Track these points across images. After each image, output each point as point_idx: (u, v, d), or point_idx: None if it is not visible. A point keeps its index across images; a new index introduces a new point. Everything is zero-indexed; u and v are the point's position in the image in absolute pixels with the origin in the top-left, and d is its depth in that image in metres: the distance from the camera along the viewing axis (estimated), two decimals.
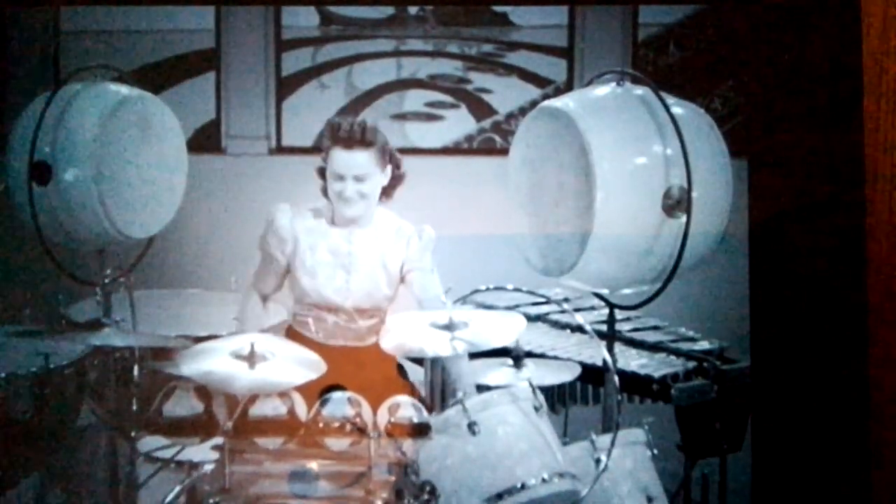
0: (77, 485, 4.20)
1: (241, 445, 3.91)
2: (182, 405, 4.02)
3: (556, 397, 4.21)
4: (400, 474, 3.78)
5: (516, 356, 4.00)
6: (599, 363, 4.06)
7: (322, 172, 4.25)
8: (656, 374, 4.17)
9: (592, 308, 4.31)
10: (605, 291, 4.06)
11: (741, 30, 3.89)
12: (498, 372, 3.99)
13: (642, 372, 4.20)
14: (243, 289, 4.33)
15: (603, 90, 4.02)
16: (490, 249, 4.22)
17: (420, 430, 3.80)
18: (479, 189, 4.57)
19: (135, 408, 4.09)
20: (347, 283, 4.24)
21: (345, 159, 4.18)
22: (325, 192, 4.26)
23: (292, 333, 4.28)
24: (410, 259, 4.25)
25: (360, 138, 4.17)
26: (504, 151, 4.26)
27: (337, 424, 3.91)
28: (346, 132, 4.19)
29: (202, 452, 3.95)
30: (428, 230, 4.27)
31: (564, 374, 4.08)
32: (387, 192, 4.25)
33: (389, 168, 4.23)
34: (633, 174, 3.87)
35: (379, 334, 4.19)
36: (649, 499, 3.86)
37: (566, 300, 4.35)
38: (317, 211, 4.27)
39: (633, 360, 4.26)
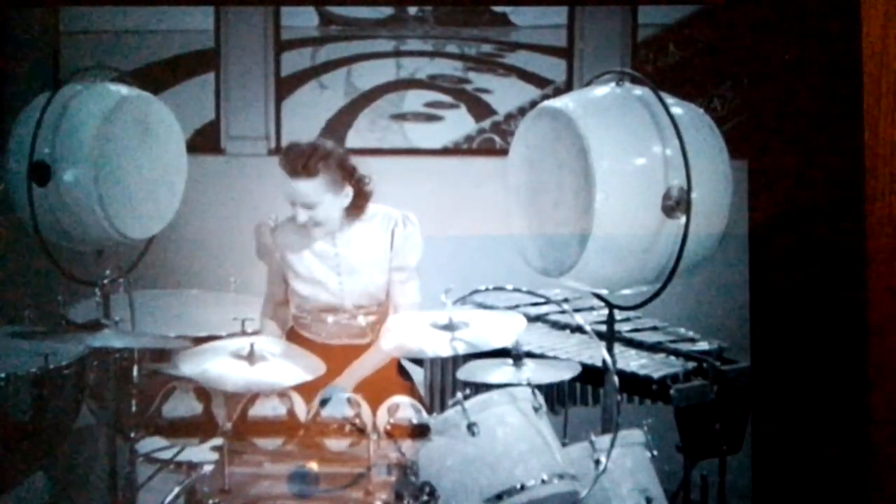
0: (76, 485, 4.20)
1: (241, 446, 3.91)
2: (181, 406, 4.02)
3: (555, 398, 4.21)
4: (399, 475, 3.77)
5: (516, 355, 3.99)
6: (599, 364, 4.05)
7: None
8: (656, 375, 4.17)
9: (592, 308, 4.30)
10: (604, 292, 4.05)
11: (741, 30, 3.89)
12: (498, 371, 3.98)
13: (642, 372, 4.19)
14: (259, 320, 4.29)
15: (602, 90, 4.01)
16: (489, 250, 4.22)
17: (420, 431, 3.80)
18: (479, 189, 4.57)
19: (134, 408, 4.09)
20: (341, 285, 4.22)
21: (291, 186, 4.08)
22: None
23: (293, 335, 4.28)
24: (396, 251, 4.22)
25: (303, 167, 4.05)
26: (503, 152, 4.25)
27: (336, 425, 3.91)
28: (289, 160, 4.06)
29: (201, 453, 3.95)
30: (412, 218, 4.22)
31: (565, 373, 4.07)
32: (355, 207, 4.16)
33: (349, 188, 4.12)
34: (632, 175, 3.87)
35: (378, 332, 4.19)
36: (648, 500, 3.86)
37: (566, 300, 4.35)
38: (295, 219, 4.15)
39: (632, 361, 4.26)
